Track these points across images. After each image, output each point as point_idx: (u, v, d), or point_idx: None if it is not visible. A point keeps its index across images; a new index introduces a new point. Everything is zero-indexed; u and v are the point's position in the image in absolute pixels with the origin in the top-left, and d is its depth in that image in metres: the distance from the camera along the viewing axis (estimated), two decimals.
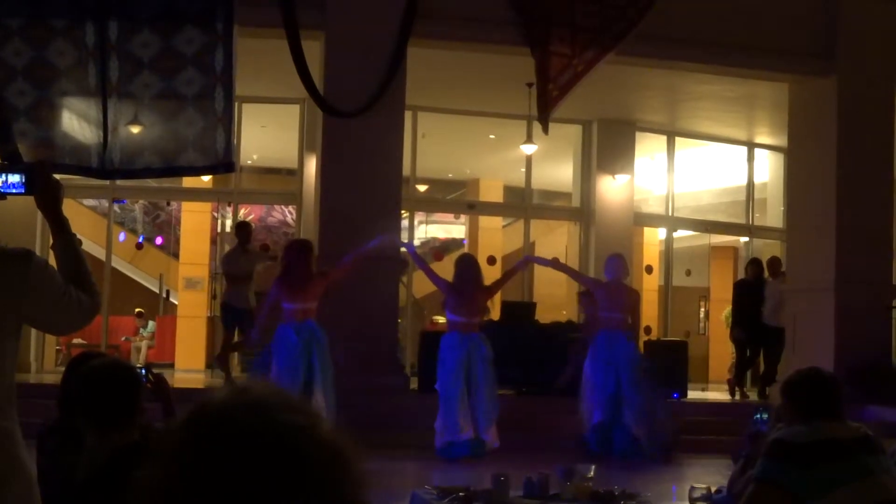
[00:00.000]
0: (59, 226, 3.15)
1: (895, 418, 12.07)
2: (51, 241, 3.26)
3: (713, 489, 6.15)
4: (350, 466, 1.23)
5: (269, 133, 18.05)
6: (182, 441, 1.21)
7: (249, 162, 20.04)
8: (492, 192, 21.13)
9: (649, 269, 20.38)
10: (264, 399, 1.24)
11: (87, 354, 4.44)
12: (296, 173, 16.97)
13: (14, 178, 3.17)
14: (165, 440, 1.23)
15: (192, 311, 19.45)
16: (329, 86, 12.53)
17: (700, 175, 20.11)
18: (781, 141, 16.73)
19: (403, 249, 13.13)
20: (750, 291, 15.36)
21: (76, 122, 11.82)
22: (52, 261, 3.18)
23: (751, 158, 19.06)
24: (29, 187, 3.16)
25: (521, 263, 12.88)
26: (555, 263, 12.98)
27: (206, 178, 18.21)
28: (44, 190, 3.15)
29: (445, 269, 23.23)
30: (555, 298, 19.43)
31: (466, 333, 10.91)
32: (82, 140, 11.69)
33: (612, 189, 17.63)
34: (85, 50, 11.47)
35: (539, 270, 20.59)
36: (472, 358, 10.87)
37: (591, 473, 5.97)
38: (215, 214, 20.60)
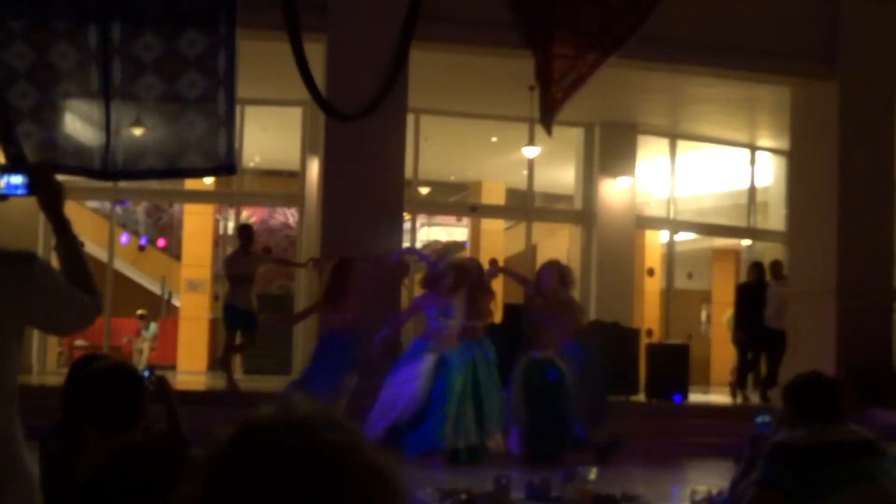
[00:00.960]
0: (61, 227, 3.15)
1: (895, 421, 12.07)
2: (53, 243, 3.27)
3: (714, 492, 6.16)
4: (393, 487, 1.24)
5: (272, 135, 18.06)
6: (226, 458, 1.22)
7: (252, 164, 20.05)
8: (494, 195, 21.13)
9: (651, 272, 20.38)
10: (308, 417, 1.24)
11: (91, 356, 4.45)
12: (298, 175, 16.98)
13: (16, 180, 3.17)
14: (209, 456, 1.23)
15: (194, 313, 19.47)
16: (331, 88, 12.54)
17: (702, 178, 20.10)
18: (783, 144, 16.73)
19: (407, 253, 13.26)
20: (752, 294, 15.36)
21: (79, 124, 11.84)
22: (54, 262, 3.19)
23: (753, 161, 19.05)
24: (31, 189, 3.17)
25: (491, 271, 13.12)
26: (521, 280, 12.78)
27: (209, 181, 18.24)
28: (46, 191, 3.15)
29: None
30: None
31: (471, 338, 10.93)
32: (85, 142, 11.71)
33: (613, 192, 17.64)
34: (87, 52, 11.49)
35: None
36: (477, 362, 10.88)
37: (593, 476, 5.98)
38: (217, 216, 20.63)
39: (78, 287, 3.06)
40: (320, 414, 1.25)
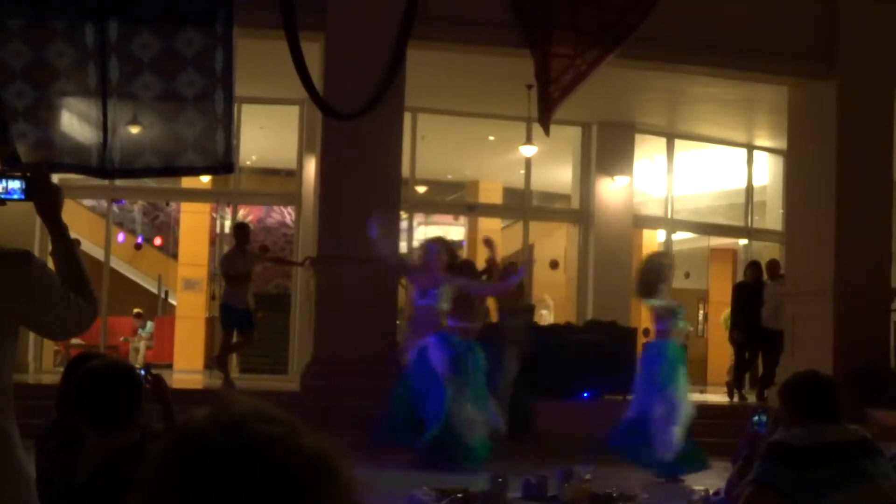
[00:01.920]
0: (58, 231, 3.14)
1: (893, 422, 12.06)
2: (49, 247, 3.26)
3: (711, 491, 6.15)
4: (335, 473, 1.22)
5: (269, 134, 18.05)
6: (161, 467, 1.21)
7: (249, 163, 20.04)
8: (491, 194, 21.13)
9: None
10: (241, 414, 1.22)
11: (87, 355, 4.43)
12: (295, 174, 16.97)
13: (14, 185, 3.17)
14: (147, 466, 1.23)
15: (191, 312, 19.45)
16: (328, 87, 12.53)
17: (699, 177, 20.11)
18: (781, 143, 16.74)
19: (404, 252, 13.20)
20: (749, 294, 15.36)
21: (76, 123, 11.82)
22: (51, 265, 3.18)
23: (750, 161, 19.06)
24: (28, 193, 3.16)
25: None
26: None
27: (206, 179, 18.22)
28: (43, 196, 3.14)
29: None
30: (554, 301, 19.45)
31: (464, 340, 10.86)
32: (82, 140, 11.69)
33: (611, 191, 17.64)
34: (84, 51, 11.48)
35: (538, 273, 20.60)
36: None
37: (589, 475, 5.97)
38: (214, 215, 20.62)
39: (75, 292, 3.04)
40: (253, 410, 1.23)
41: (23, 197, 3.17)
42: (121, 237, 22.63)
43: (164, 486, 1.20)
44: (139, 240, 23.94)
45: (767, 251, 18.32)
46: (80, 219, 19.80)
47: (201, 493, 1.17)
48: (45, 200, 3.14)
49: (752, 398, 15.28)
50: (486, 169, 20.82)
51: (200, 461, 1.19)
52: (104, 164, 11.69)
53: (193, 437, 1.22)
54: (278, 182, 21.12)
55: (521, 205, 18.61)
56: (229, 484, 1.17)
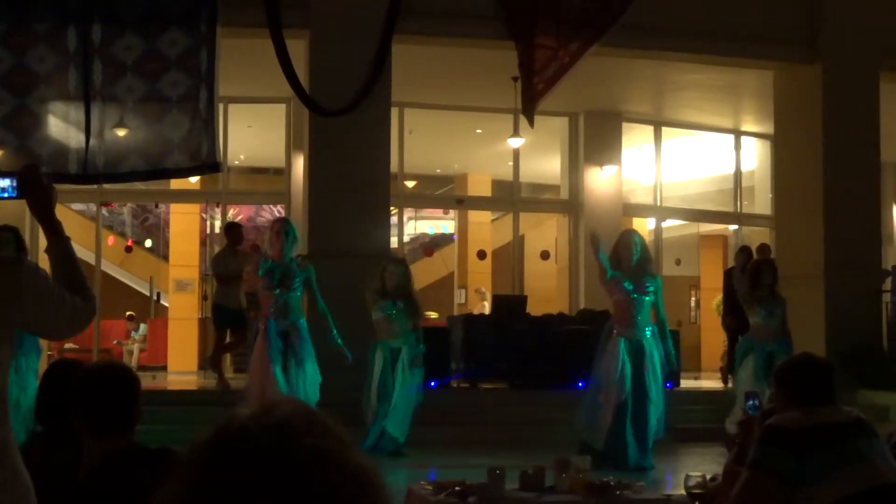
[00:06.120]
0: (52, 229, 3.11)
1: (886, 402, 12.12)
2: (44, 245, 3.23)
3: (708, 477, 6.16)
4: (377, 495, 1.20)
5: (256, 133, 18.02)
6: (202, 462, 1.18)
7: (237, 162, 20.01)
8: (480, 187, 21.13)
9: None
10: (290, 420, 1.19)
11: (63, 364, 4.29)
12: (283, 172, 16.95)
13: (4, 183, 3.13)
14: (185, 460, 1.20)
15: (183, 313, 19.42)
16: (315, 84, 12.52)
17: (687, 164, 20.13)
18: (768, 128, 16.76)
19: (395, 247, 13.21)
20: None
21: (56, 128, 11.75)
22: (43, 264, 3.15)
23: (738, 146, 19.08)
24: (20, 191, 3.13)
25: None
26: None
27: (194, 180, 18.18)
28: (35, 193, 3.11)
29: (434, 264, 23.23)
30: (546, 291, 19.46)
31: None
32: (64, 144, 11.62)
33: (600, 180, 17.64)
34: (66, 55, 11.43)
35: (529, 263, 20.63)
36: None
37: (586, 465, 5.98)
38: (204, 216, 20.58)
39: (70, 290, 3.02)
40: (301, 417, 1.21)
41: (14, 195, 3.13)
42: (110, 240, 22.58)
43: (200, 479, 1.17)
44: (129, 242, 23.89)
45: (757, 236, 18.33)
46: (69, 223, 19.58)
47: (237, 491, 1.15)
48: (38, 197, 3.10)
49: None
50: (475, 162, 20.82)
51: (242, 459, 1.16)
52: (86, 170, 11.62)
53: (238, 436, 1.19)
54: (267, 181, 21.09)
55: (511, 196, 18.60)
56: (267, 488, 1.14)
